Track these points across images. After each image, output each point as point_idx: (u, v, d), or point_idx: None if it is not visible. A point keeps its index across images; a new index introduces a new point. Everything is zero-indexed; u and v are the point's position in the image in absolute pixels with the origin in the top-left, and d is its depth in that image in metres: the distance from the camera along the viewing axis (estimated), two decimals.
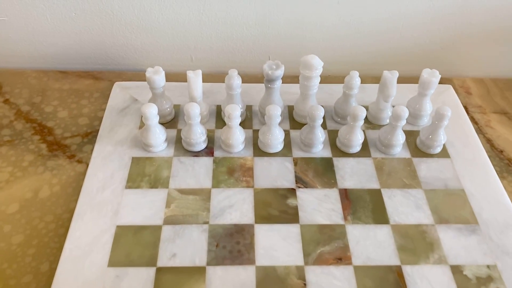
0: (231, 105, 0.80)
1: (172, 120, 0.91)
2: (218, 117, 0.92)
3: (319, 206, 0.75)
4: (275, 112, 0.79)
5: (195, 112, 0.79)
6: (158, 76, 0.83)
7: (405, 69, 1.03)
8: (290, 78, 0.97)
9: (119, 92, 0.97)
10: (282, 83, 0.86)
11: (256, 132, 0.89)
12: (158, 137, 0.83)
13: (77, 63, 1.07)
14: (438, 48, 1.07)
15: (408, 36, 1.05)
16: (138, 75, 1.04)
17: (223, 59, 1.05)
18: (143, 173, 0.80)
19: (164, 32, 1.01)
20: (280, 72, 0.82)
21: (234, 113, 0.79)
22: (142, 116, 0.81)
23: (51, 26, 1.01)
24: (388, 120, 0.87)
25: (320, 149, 0.86)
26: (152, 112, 0.79)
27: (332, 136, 0.89)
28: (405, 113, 0.79)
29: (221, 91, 0.98)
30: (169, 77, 1.03)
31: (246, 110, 0.93)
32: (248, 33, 1.04)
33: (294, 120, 0.92)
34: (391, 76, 0.83)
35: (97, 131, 0.89)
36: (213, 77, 1.05)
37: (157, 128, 0.82)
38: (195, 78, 0.83)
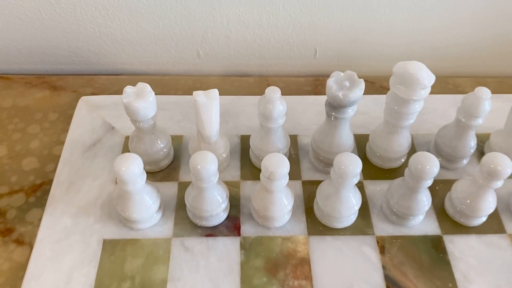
0: (273, 157, 0.44)
1: (170, 166, 0.56)
2: (244, 156, 0.57)
3: None
4: (353, 168, 0.44)
5: (210, 171, 0.44)
6: (143, 103, 0.48)
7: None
8: None
9: (87, 114, 0.62)
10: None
11: (308, 185, 0.54)
12: (146, 207, 0.48)
13: (25, 62, 0.71)
14: None
15: None
16: (118, 82, 0.68)
17: (245, 54, 0.71)
18: (122, 274, 0.47)
19: (156, 15, 0.66)
20: (358, 94, 0.47)
21: (279, 171, 0.44)
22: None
23: None
24: None
25: (420, 220, 0.51)
26: (132, 173, 0.44)
27: (437, 195, 0.54)
28: None
29: (246, 108, 0.62)
30: (163, 85, 0.67)
31: (290, 148, 0.57)
32: (284, 15, 0.67)
33: (367, 161, 0.57)
34: None
35: (51, 182, 0.54)
36: (231, 82, 0.69)
37: (144, 194, 0.48)
38: (208, 104, 0.48)
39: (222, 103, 0.63)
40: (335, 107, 0.49)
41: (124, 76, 0.71)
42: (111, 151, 0.57)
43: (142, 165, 0.45)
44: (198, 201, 0.48)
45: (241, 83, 0.69)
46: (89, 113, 0.62)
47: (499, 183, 0.47)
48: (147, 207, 0.48)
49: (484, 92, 0.49)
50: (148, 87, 0.49)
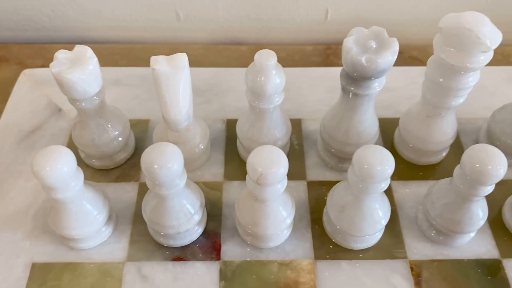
0: (264, 152, 0.30)
1: (129, 161, 0.42)
2: (230, 148, 0.43)
3: None
4: (381, 169, 0.30)
5: (172, 172, 0.30)
6: (79, 73, 0.33)
7: None
8: None
9: (28, 92, 0.48)
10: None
11: (316, 188, 0.40)
12: (87, 221, 0.34)
13: None
14: None
15: None
16: None
17: (237, 16, 0.56)
18: None
19: None
20: (389, 59, 0.32)
21: (273, 173, 0.30)
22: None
23: None
24: None
25: (470, 238, 0.37)
26: (59, 175, 0.30)
27: (493, 202, 0.39)
28: None
29: (235, 84, 0.48)
30: (133, 55, 0.53)
31: (290, 136, 0.43)
32: None
33: (396, 154, 0.43)
34: None
35: None
36: (219, 51, 0.54)
37: (84, 202, 0.34)
38: (173, 75, 0.33)
39: (204, 77, 0.49)
40: (355, 79, 0.34)
41: (87, 44, 0.56)
42: (54, 141, 0.43)
43: (74, 163, 0.31)
44: (158, 214, 0.34)
45: (231, 52, 0.55)
46: (32, 91, 0.48)
47: None
48: (89, 220, 0.34)
49: None
50: (88, 51, 0.35)
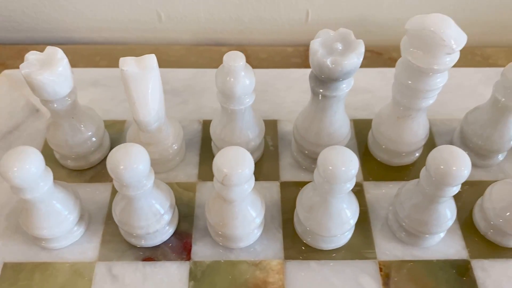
0: (229, 153, 0.31)
1: (104, 161, 0.42)
2: (205, 149, 0.43)
3: None
4: (345, 170, 0.30)
5: (137, 173, 0.31)
6: (48, 75, 0.34)
7: None
8: None
9: (7, 92, 0.48)
10: None
11: (289, 189, 0.40)
12: (58, 221, 0.35)
13: None
14: None
15: None
16: None
17: (219, 18, 0.57)
18: None
19: None
20: (354, 61, 0.32)
21: (238, 174, 0.30)
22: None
23: None
24: None
25: (440, 239, 0.37)
26: (27, 175, 0.31)
27: (463, 203, 0.39)
28: None
29: (212, 85, 0.48)
30: (113, 57, 0.53)
31: (265, 137, 0.43)
32: None
33: (370, 155, 0.43)
34: None
35: None
36: (200, 53, 0.54)
37: (55, 202, 0.34)
38: (141, 77, 0.33)
39: (182, 78, 0.49)
40: (323, 81, 0.34)
41: (69, 46, 0.57)
42: (31, 141, 0.44)
43: (42, 163, 0.32)
44: (127, 215, 0.34)
45: (212, 53, 0.55)
46: (10, 92, 0.48)
47: None
48: (59, 220, 0.35)
49: None
50: (59, 52, 0.35)
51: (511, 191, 0.35)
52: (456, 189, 0.33)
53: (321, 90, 0.35)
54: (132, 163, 0.30)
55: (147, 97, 0.34)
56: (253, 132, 0.39)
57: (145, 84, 0.34)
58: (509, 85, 0.36)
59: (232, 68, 0.34)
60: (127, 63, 0.33)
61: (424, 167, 0.33)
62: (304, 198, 0.36)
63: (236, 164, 0.30)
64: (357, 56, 0.32)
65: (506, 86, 0.36)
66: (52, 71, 0.34)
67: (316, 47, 0.32)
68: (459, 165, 0.31)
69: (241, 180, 0.31)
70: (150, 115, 0.35)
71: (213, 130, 0.40)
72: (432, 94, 0.35)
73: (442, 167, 0.31)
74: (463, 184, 0.40)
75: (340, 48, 0.33)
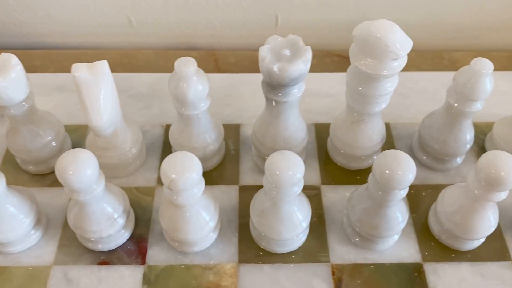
0: (176, 158, 0.31)
1: None
2: (166, 151, 0.44)
3: None
4: (292, 174, 0.31)
5: (85, 178, 0.31)
6: (1, 81, 0.34)
7: None
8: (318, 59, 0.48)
9: None
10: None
11: (248, 193, 0.40)
12: (13, 224, 0.35)
13: None
14: None
15: None
16: (28, 58, 0.54)
17: (189, 22, 0.57)
18: None
19: None
20: (300, 67, 0.32)
21: (185, 178, 0.30)
22: None
23: None
24: None
25: (394, 242, 0.37)
26: None
27: (421, 206, 0.40)
28: None
29: None
30: (83, 61, 0.53)
31: (227, 141, 0.44)
32: None
33: (329, 160, 0.43)
34: None
35: None
36: (168, 57, 0.55)
37: (9, 205, 0.35)
38: (93, 82, 0.34)
39: (147, 82, 0.50)
40: (273, 87, 0.35)
41: (38, 50, 0.57)
42: None
43: None
44: (80, 220, 0.35)
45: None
46: None
47: (502, 195, 0.33)
48: (14, 224, 0.35)
49: (484, 65, 0.35)
50: (13, 59, 0.35)
51: (462, 195, 0.36)
52: (403, 193, 0.33)
53: (273, 96, 0.35)
54: (79, 169, 0.31)
55: (99, 102, 0.34)
56: (211, 136, 0.40)
57: (97, 90, 0.34)
58: (460, 90, 0.37)
59: (184, 73, 0.34)
60: (79, 69, 0.34)
61: (371, 172, 0.33)
62: (257, 202, 0.36)
63: (183, 168, 0.31)
64: (304, 62, 0.32)
65: (457, 92, 0.37)
66: (5, 77, 0.34)
67: (265, 53, 0.33)
68: (403, 169, 0.31)
69: (188, 184, 0.31)
70: (102, 120, 0.35)
71: (171, 135, 0.40)
72: (383, 99, 0.36)
73: (387, 172, 0.32)
74: (424, 188, 0.41)
75: (288, 54, 0.33)
